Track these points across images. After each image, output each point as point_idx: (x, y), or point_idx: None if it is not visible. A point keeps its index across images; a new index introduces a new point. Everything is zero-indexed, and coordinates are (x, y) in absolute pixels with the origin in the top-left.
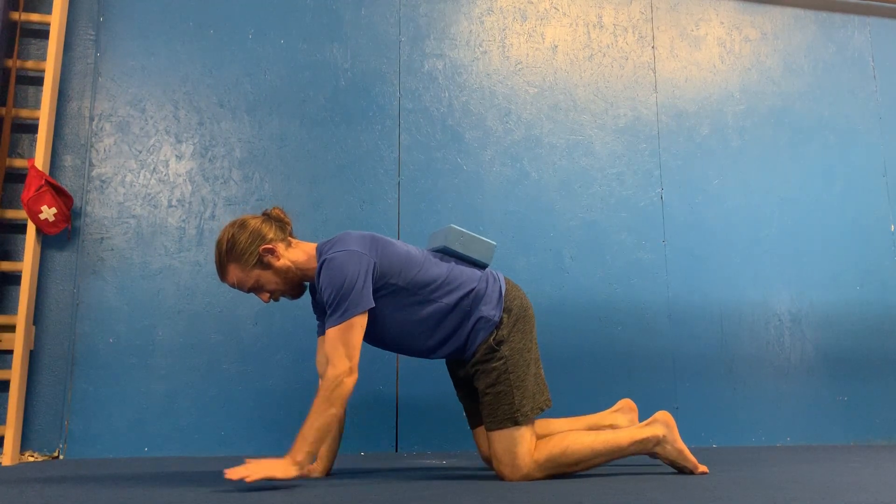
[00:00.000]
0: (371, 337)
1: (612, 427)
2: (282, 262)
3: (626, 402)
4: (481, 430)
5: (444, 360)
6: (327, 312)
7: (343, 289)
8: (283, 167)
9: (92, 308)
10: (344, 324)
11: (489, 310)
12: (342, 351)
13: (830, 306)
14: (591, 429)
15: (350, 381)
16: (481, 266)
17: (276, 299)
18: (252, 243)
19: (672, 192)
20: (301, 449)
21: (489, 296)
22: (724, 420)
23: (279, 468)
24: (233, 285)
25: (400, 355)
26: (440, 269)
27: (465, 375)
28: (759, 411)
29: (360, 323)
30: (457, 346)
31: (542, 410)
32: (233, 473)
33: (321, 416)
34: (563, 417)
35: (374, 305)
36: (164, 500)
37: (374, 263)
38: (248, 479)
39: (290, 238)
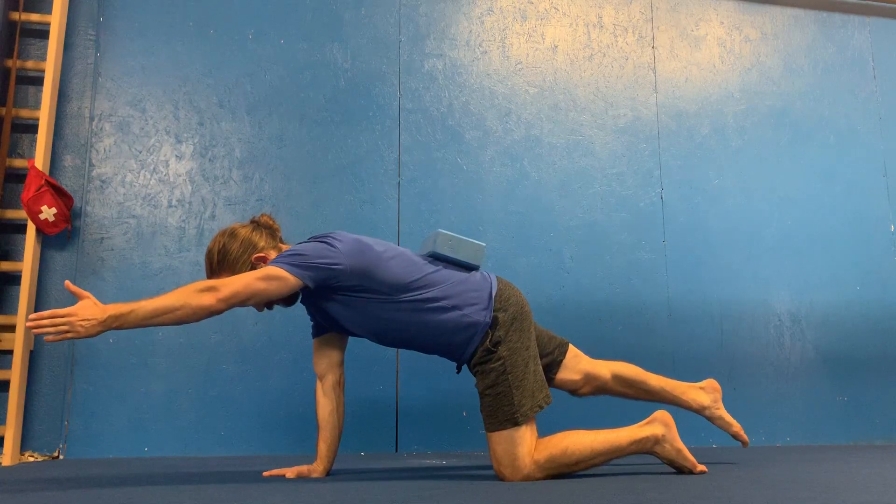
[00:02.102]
0: (362, 334)
1: (694, 401)
2: None
3: (710, 382)
4: None
5: (445, 361)
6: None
7: (297, 253)
8: (283, 167)
9: None
10: (270, 268)
11: (477, 311)
12: (239, 281)
13: (830, 306)
14: (676, 395)
15: (208, 299)
16: (472, 268)
17: (270, 308)
18: (244, 252)
19: (672, 192)
20: (127, 317)
21: (477, 297)
22: None
23: (87, 328)
24: None
25: (400, 356)
26: (426, 271)
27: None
28: (759, 411)
29: (279, 279)
30: (447, 347)
31: (542, 408)
32: (35, 325)
33: (164, 301)
34: (659, 374)
35: (309, 286)
36: (164, 500)
37: (342, 268)
38: (48, 339)
39: (280, 244)
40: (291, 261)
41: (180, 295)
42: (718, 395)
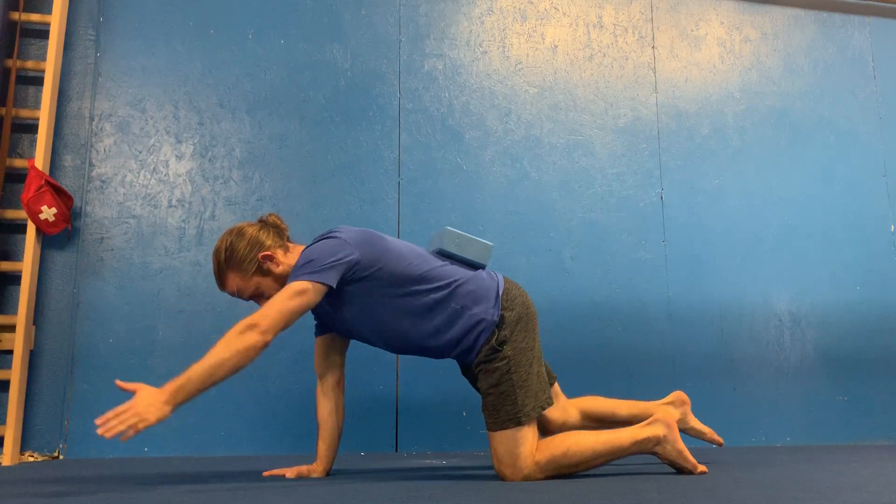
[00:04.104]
0: (370, 336)
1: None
2: (281, 269)
3: (678, 395)
4: None
5: (445, 360)
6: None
7: (310, 260)
8: (283, 167)
9: (92, 308)
10: (292, 285)
11: (485, 310)
12: (269, 306)
13: (830, 306)
14: (642, 414)
15: (255, 337)
16: (478, 267)
17: None
18: (251, 251)
19: (672, 192)
20: (183, 388)
21: (484, 295)
22: (724, 420)
23: (153, 413)
24: (232, 293)
25: (400, 356)
26: (431, 265)
27: (472, 378)
28: (759, 411)
29: (305, 291)
30: (455, 347)
31: (543, 409)
32: (106, 431)
33: (214, 357)
34: (622, 399)
35: (332, 286)
36: (164, 500)
37: (356, 258)
38: (123, 439)
39: (287, 243)
40: (307, 270)
41: (225, 346)
42: (687, 407)
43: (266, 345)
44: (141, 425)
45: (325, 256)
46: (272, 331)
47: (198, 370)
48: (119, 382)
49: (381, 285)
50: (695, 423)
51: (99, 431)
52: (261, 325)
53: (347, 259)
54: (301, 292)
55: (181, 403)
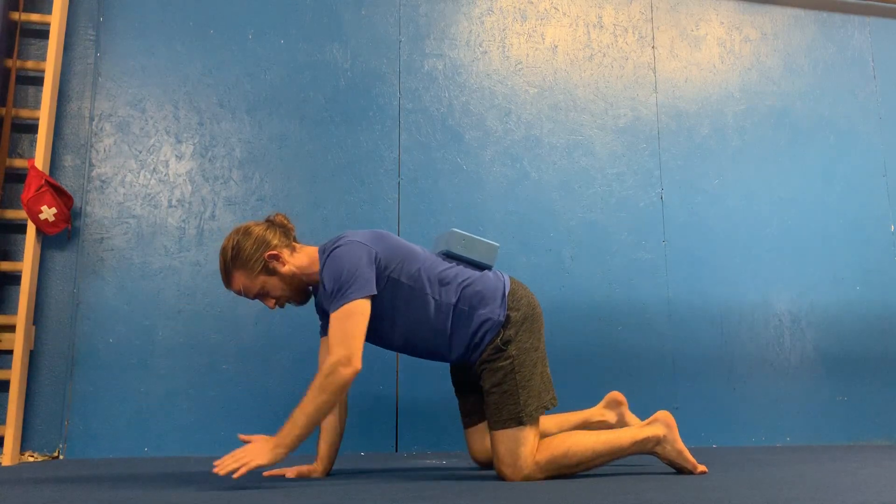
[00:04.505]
0: (376, 337)
1: (602, 422)
2: (287, 268)
3: (612, 396)
4: (474, 430)
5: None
6: (330, 303)
7: (344, 275)
8: (283, 167)
9: (92, 308)
10: (342, 309)
11: (492, 310)
12: (339, 338)
13: (830, 306)
14: (583, 424)
15: (346, 371)
16: (485, 268)
17: (282, 305)
18: (257, 250)
19: (672, 192)
20: (290, 433)
21: (491, 296)
22: (724, 420)
23: (265, 455)
24: (238, 292)
25: (401, 356)
26: (441, 267)
27: (471, 375)
28: (759, 411)
29: (360, 310)
30: (464, 349)
31: (547, 409)
32: (221, 468)
33: (312, 403)
34: (553, 414)
35: (375, 292)
36: (164, 500)
37: (377, 254)
38: (236, 476)
39: (294, 243)
40: (348, 289)
41: (321, 390)
42: (624, 407)
43: (357, 371)
44: (253, 463)
45: (355, 269)
46: (357, 356)
47: (301, 418)
48: (242, 436)
49: (395, 288)
50: (631, 419)
51: (215, 470)
52: (348, 358)
53: (371, 258)
54: (357, 311)
55: (291, 448)
